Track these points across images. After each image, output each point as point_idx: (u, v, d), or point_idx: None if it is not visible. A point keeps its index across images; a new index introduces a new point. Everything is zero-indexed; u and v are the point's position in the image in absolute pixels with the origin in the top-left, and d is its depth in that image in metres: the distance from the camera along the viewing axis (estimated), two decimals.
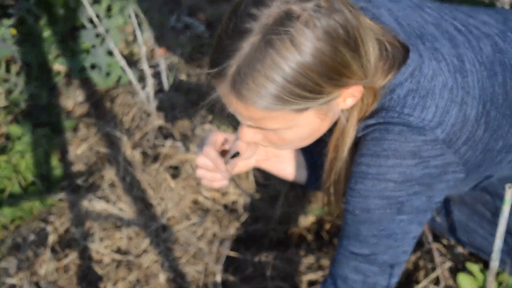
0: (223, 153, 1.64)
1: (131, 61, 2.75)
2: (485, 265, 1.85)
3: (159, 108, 2.48)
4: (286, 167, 1.75)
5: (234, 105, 1.28)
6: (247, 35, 1.22)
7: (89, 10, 2.25)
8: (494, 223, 1.78)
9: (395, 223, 1.38)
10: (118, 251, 2.05)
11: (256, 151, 1.68)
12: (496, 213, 1.77)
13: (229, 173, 1.54)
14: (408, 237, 1.41)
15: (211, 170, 1.57)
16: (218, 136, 1.60)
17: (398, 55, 1.39)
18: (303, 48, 1.20)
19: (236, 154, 1.55)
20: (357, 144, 1.43)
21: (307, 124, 1.34)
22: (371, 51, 1.31)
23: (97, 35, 2.59)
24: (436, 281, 1.84)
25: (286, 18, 1.20)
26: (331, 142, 1.45)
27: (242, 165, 1.68)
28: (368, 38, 1.30)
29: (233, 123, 2.39)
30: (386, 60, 1.38)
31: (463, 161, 1.39)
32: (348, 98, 1.31)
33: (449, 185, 1.41)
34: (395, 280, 1.46)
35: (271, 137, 1.38)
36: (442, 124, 1.35)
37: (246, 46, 1.21)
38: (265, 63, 1.21)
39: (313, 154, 1.76)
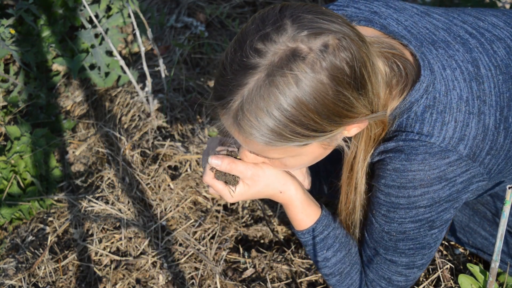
0: None
1: (130, 61, 2.74)
2: (486, 266, 1.85)
3: (158, 108, 2.47)
4: (291, 173, 1.76)
5: (237, 136, 1.30)
6: (252, 72, 1.20)
7: (89, 10, 2.24)
8: (495, 224, 1.78)
9: (429, 237, 1.48)
10: (117, 252, 2.05)
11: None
12: (497, 214, 1.77)
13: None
14: (439, 240, 1.52)
15: None
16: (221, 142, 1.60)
17: (411, 70, 1.39)
18: (307, 90, 1.19)
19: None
20: (372, 166, 1.45)
21: (310, 153, 1.36)
22: (380, 82, 1.30)
23: (96, 35, 2.58)
24: (437, 282, 1.83)
25: (292, 58, 1.18)
26: (343, 177, 1.49)
27: None
28: (377, 68, 1.28)
29: None
30: (400, 78, 1.38)
31: (487, 171, 1.42)
32: (352, 129, 1.32)
33: (473, 192, 1.47)
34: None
35: (273, 162, 1.42)
36: (463, 139, 1.36)
37: (250, 82, 1.20)
38: (267, 101, 1.20)
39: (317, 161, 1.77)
